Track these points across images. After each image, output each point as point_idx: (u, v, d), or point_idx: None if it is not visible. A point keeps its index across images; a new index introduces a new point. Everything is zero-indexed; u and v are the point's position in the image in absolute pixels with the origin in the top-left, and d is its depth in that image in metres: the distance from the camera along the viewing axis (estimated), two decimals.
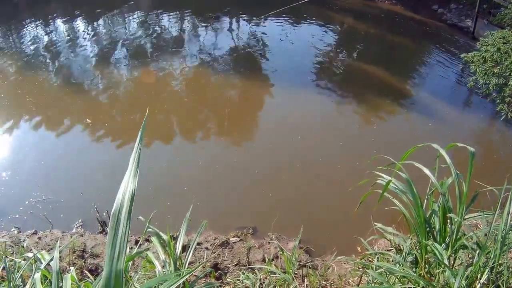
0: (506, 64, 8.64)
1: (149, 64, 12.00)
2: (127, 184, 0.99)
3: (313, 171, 7.92)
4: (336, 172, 7.89)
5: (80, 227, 6.80)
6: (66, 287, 2.14)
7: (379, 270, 2.96)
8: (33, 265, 3.26)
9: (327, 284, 4.17)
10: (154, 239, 3.24)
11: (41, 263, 3.09)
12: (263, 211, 6.93)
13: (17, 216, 7.08)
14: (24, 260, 3.64)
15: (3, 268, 3.17)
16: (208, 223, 3.24)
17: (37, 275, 2.24)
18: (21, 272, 3.08)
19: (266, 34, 13.62)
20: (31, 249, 6.10)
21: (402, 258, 3.11)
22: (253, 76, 11.39)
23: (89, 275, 3.62)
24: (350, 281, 4.24)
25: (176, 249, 3.01)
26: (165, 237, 3.14)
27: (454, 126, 9.17)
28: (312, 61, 12.11)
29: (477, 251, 2.95)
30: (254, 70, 11.76)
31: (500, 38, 9.07)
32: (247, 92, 10.84)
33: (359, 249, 5.64)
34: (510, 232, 2.95)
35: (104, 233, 6.50)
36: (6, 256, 3.12)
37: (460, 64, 11.57)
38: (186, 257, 2.98)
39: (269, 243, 5.90)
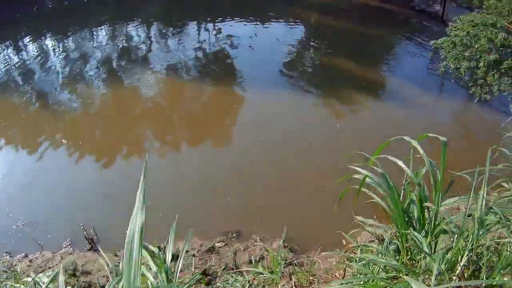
0: (476, 47, 8.79)
1: (120, 77, 11.91)
2: (136, 218, 1.16)
3: (287, 170, 7.95)
4: (311, 169, 7.90)
5: (69, 246, 6.77)
6: None
7: (362, 262, 3.04)
8: None
9: (314, 279, 4.26)
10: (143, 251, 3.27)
11: (41, 286, 3.10)
12: (244, 214, 6.94)
13: (5, 242, 7.01)
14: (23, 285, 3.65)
15: None
16: (194, 231, 3.28)
17: None
18: None
19: (233, 36, 13.57)
20: (24, 273, 6.06)
21: (384, 248, 3.20)
22: (223, 78, 11.37)
23: None
24: (336, 274, 4.33)
25: (166, 259, 3.06)
26: (154, 249, 3.18)
27: (428, 113, 9.32)
28: (281, 58, 12.11)
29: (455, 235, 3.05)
30: (223, 72, 11.74)
31: (469, 21, 9.21)
32: (217, 96, 10.77)
33: (344, 242, 5.72)
34: (489, 213, 3.06)
35: (93, 250, 6.47)
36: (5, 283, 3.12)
37: (430, 50, 11.72)
38: (177, 266, 3.02)
39: (254, 245, 5.97)
